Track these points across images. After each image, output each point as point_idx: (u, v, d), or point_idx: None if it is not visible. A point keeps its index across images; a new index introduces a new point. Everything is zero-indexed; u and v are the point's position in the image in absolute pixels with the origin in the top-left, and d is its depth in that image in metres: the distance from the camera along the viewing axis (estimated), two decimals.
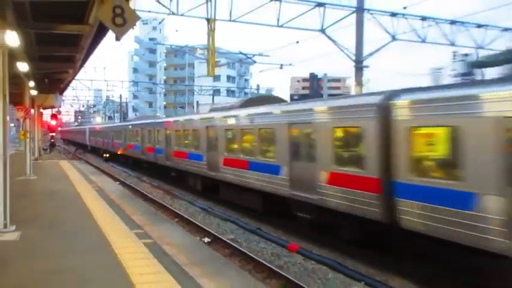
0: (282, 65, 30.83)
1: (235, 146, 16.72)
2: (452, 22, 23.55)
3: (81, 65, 19.96)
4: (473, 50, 24.62)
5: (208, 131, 18.98)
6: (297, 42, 25.97)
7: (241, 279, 6.37)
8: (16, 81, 20.15)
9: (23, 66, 14.91)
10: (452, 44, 23.74)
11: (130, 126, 35.00)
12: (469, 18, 24.48)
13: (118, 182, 24.28)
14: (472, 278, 8.45)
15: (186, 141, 21.99)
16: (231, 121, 17.15)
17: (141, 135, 30.27)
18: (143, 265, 6.67)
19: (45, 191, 15.58)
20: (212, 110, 21.11)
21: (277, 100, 17.71)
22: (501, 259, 7.39)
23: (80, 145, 66.98)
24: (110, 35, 14.83)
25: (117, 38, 6.59)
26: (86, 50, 15.21)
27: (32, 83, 19.98)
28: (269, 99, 18.43)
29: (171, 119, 26.35)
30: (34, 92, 22.59)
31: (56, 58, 17.20)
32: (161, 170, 26.73)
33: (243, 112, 16.42)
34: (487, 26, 24.45)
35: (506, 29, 25.08)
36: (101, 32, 12.85)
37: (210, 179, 18.95)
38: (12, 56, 13.93)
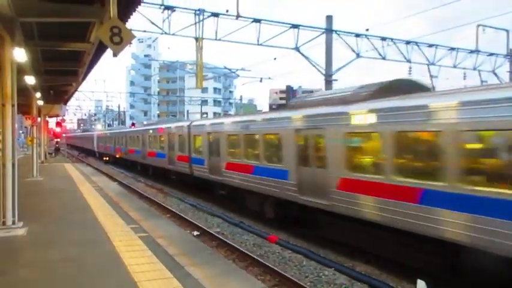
0: (261, 78, 30.90)
1: (379, 160, 8.87)
2: (408, 42, 23.97)
3: (83, 79, 19.66)
4: (425, 66, 25.04)
5: (298, 136, 11.35)
6: (275, 58, 26.04)
7: (226, 267, 6.34)
8: (25, 93, 19.76)
9: (30, 80, 14.64)
10: (408, 61, 24.11)
11: (151, 131, 26.63)
12: (421, 39, 24.91)
13: (116, 182, 23.92)
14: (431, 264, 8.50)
15: (251, 150, 14.18)
16: (365, 119, 9.02)
17: (167, 141, 22.68)
18: (138, 256, 6.57)
19: (50, 190, 15.24)
20: (302, 106, 12.00)
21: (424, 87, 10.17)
22: None
23: (87, 152, 57.46)
24: (109, 51, 14.73)
25: (115, 55, 6.52)
26: (87, 65, 15.00)
27: (38, 94, 19.63)
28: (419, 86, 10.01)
29: (218, 120, 18.20)
30: (40, 103, 22.17)
31: (61, 72, 16.90)
32: (198, 185, 19.41)
33: (410, 103, 8.16)
34: (436, 45, 24.99)
35: (452, 49, 25.67)
36: (100, 49, 12.72)
37: (294, 205, 11.77)
38: (20, 70, 13.66)
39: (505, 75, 27.05)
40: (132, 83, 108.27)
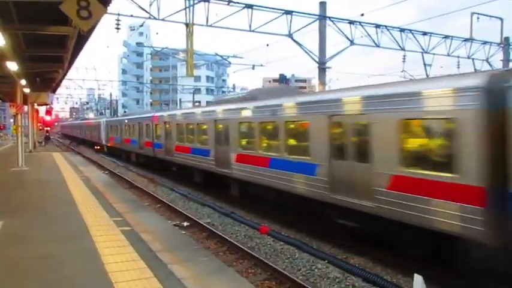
0: (254, 65, 30.16)
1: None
2: (402, 30, 23.47)
3: (70, 65, 18.91)
4: (419, 54, 24.57)
5: None
6: (267, 45, 25.39)
7: (212, 265, 5.81)
8: (9, 80, 19.06)
9: (12, 66, 14.02)
10: (402, 49, 23.63)
11: (260, 112, 12.71)
12: (414, 26, 24.43)
13: (106, 172, 23.34)
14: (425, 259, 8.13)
15: None
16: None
17: (345, 134, 9.37)
18: (119, 252, 6.04)
19: (34, 181, 14.48)
20: None
21: None
22: None
23: (91, 144, 44.67)
24: (96, 36, 14.07)
25: (82, 31, 5.89)
26: (72, 50, 14.32)
27: (23, 82, 18.89)
28: None
29: None
30: (27, 90, 21.42)
31: (45, 58, 16.18)
32: None
33: None
34: (431, 33, 24.51)
35: (446, 37, 25.21)
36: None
37: None
38: (2, 56, 13.04)
39: (498, 63, 26.71)
40: (124, 71, 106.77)
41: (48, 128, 49.67)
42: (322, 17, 20.58)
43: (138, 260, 5.69)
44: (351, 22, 21.68)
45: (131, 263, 5.58)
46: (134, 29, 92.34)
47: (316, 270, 8.52)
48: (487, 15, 25.69)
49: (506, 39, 26.49)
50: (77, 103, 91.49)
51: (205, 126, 16.45)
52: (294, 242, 10.22)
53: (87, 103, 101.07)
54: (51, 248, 6.42)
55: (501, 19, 26.15)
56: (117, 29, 17.99)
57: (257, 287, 7.73)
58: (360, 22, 21.80)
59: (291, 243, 10.14)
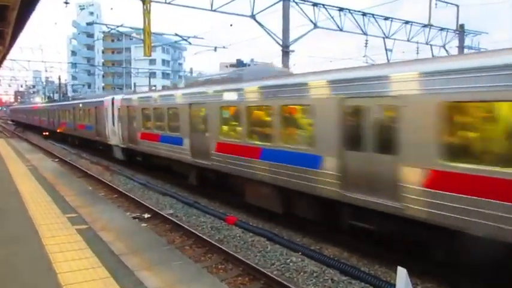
0: (216, 47, 28.98)
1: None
2: (364, 14, 23.29)
3: (12, 42, 16.97)
4: (380, 39, 24.54)
5: None
6: (231, 25, 24.40)
7: (187, 268, 5.01)
8: None
9: None
10: (365, 33, 23.49)
11: None
12: (371, 11, 24.37)
13: (56, 160, 21.66)
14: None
15: None
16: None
17: None
18: (74, 258, 5.10)
19: None
20: None
21: None
22: None
23: (80, 142, 27.82)
24: (41, 7, 12.52)
25: None
26: (14, 24, 12.67)
27: None
28: None
29: None
30: None
31: None
32: None
33: None
34: (392, 18, 24.54)
35: (406, 22, 25.36)
36: (28, 4, 10.62)
37: None
38: None
39: (455, 50, 27.28)
40: (73, 53, 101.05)
41: None
42: None
43: (99, 267, 4.79)
44: (315, 4, 21.18)
45: (90, 272, 4.68)
46: (84, 8, 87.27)
47: (291, 263, 8.01)
48: (444, 2, 26.08)
49: (462, 26, 27.07)
50: (22, 86, 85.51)
51: None
52: (265, 233, 9.66)
53: (34, 86, 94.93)
54: None
55: (457, 6, 26.66)
56: (66, 3, 16.37)
57: (229, 285, 7.13)
58: (323, 5, 21.35)
59: (261, 235, 9.58)
